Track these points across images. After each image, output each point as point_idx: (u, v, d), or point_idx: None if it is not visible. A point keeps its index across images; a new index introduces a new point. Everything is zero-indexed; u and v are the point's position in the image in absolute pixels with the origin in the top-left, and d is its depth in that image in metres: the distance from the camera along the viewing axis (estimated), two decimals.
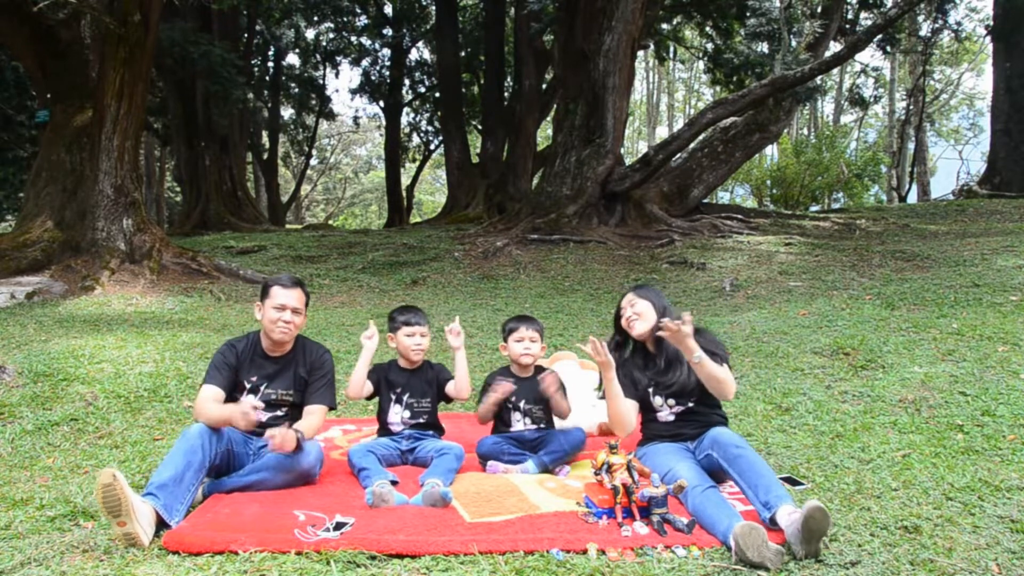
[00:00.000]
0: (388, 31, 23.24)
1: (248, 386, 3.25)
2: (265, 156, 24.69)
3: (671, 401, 3.20)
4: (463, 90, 22.29)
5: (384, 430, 3.56)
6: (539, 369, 3.62)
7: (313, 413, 3.25)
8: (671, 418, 3.21)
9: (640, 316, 3.25)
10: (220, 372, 3.20)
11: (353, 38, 24.20)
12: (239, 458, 3.11)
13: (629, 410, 3.20)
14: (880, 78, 24.98)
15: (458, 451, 3.28)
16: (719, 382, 3.05)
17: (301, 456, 3.05)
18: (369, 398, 3.57)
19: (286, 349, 3.32)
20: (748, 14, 16.59)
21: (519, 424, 3.47)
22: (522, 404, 3.48)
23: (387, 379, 3.55)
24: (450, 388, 3.54)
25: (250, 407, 2.97)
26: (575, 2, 12.67)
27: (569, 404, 3.50)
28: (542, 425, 3.48)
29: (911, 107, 23.49)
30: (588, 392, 4.34)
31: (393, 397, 3.54)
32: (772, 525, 2.51)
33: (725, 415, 3.29)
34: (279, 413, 3.27)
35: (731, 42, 17.64)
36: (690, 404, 3.18)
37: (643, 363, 3.32)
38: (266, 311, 3.24)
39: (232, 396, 3.26)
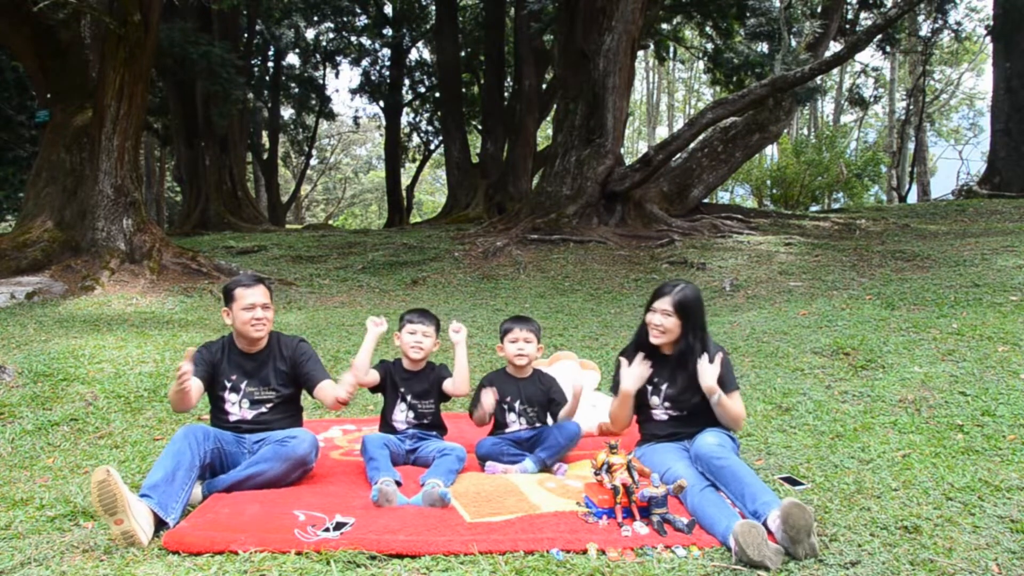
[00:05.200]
0: (388, 31, 23.25)
1: (229, 385, 3.28)
2: (265, 156, 24.69)
3: (667, 404, 3.20)
4: (463, 90, 22.28)
5: (388, 428, 3.56)
6: (537, 371, 3.62)
7: (327, 385, 3.29)
8: (664, 418, 3.21)
9: (665, 333, 3.14)
10: (197, 365, 3.22)
11: (353, 38, 24.20)
12: (232, 456, 3.13)
13: (630, 414, 3.28)
14: (880, 78, 24.99)
15: (460, 452, 3.28)
16: (732, 419, 3.11)
17: (296, 444, 3.07)
18: (373, 390, 3.56)
19: (261, 345, 3.34)
20: (748, 14, 16.60)
21: (515, 425, 3.48)
22: (517, 405, 3.49)
23: (392, 378, 3.55)
24: (447, 385, 3.53)
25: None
26: (575, 2, 12.67)
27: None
28: (537, 424, 3.49)
29: (911, 107, 23.49)
30: (588, 392, 4.34)
31: (397, 396, 3.54)
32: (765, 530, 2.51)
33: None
34: (263, 410, 3.29)
35: (731, 42, 17.65)
36: (685, 412, 3.18)
37: (650, 363, 3.25)
38: (236, 314, 3.26)
39: (215, 395, 3.30)
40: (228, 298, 3.30)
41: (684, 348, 3.15)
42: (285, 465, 3.05)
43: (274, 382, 3.31)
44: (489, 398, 3.37)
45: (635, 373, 3.17)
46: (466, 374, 3.49)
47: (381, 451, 3.20)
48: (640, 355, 3.19)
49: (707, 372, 3.06)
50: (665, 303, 3.14)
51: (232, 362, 3.30)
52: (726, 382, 3.11)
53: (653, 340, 3.17)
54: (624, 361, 3.23)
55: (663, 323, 3.13)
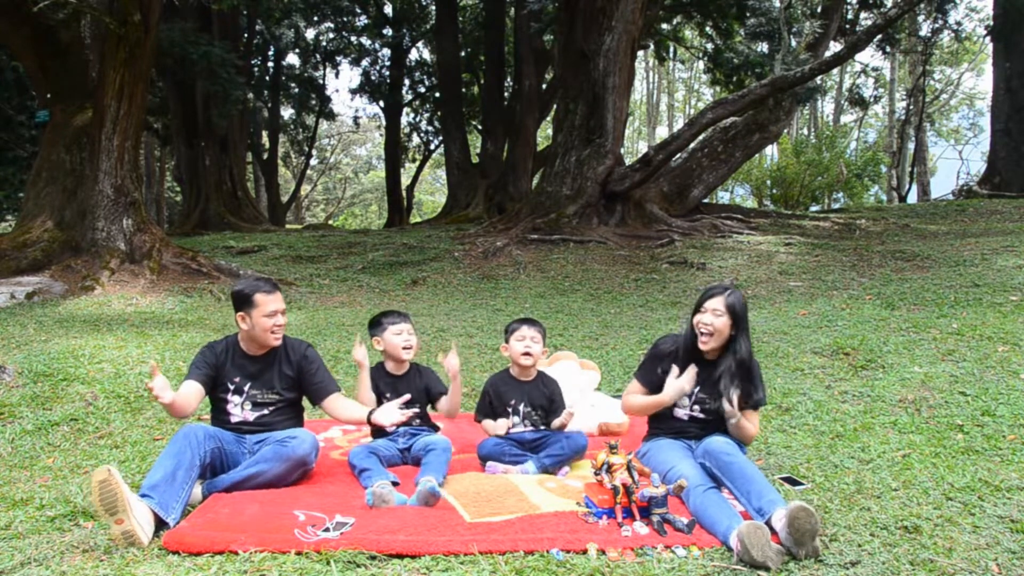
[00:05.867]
0: (388, 31, 23.24)
1: (232, 387, 3.26)
2: (265, 156, 24.69)
3: (696, 408, 3.19)
4: (463, 90, 22.28)
5: (379, 432, 3.56)
6: (540, 374, 3.62)
7: (338, 399, 3.31)
8: (686, 418, 3.20)
9: (714, 335, 3.08)
10: (199, 368, 3.20)
11: (353, 38, 24.19)
12: (233, 456, 3.12)
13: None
14: (880, 78, 24.99)
15: (445, 444, 3.29)
16: (744, 438, 3.13)
17: (296, 444, 3.07)
18: None
19: (268, 349, 3.31)
20: (748, 14, 16.60)
21: (517, 427, 3.47)
22: (521, 408, 3.48)
23: (376, 385, 3.56)
24: (442, 406, 3.56)
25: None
26: (575, 2, 12.67)
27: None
28: (541, 427, 3.48)
29: (911, 107, 23.49)
30: (588, 392, 4.34)
31: (383, 402, 3.54)
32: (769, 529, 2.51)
33: None
34: (266, 412, 3.28)
35: (731, 42, 17.65)
36: (711, 419, 3.17)
37: (688, 365, 3.18)
38: (257, 320, 3.18)
39: (217, 396, 3.28)
40: (246, 303, 3.19)
41: (730, 355, 3.08)
42: (285, 465, 3.04)
43: (278, 386, 3.29)
44: (500, 430, 3.38)
45: (682, 388, 3.09)
46: (459, 403, 3.54)
47: (369, 459, 3.20)
48: (692, 367, 3.11)
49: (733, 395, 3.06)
50: (717, 303, 3.09)
51: (236, 364, 3.27)
52: (755, 397, 3.11)
53: (702, 346, 3.11)
54: (675, 369, 3.13)
55: (713, 323, 3.07)
